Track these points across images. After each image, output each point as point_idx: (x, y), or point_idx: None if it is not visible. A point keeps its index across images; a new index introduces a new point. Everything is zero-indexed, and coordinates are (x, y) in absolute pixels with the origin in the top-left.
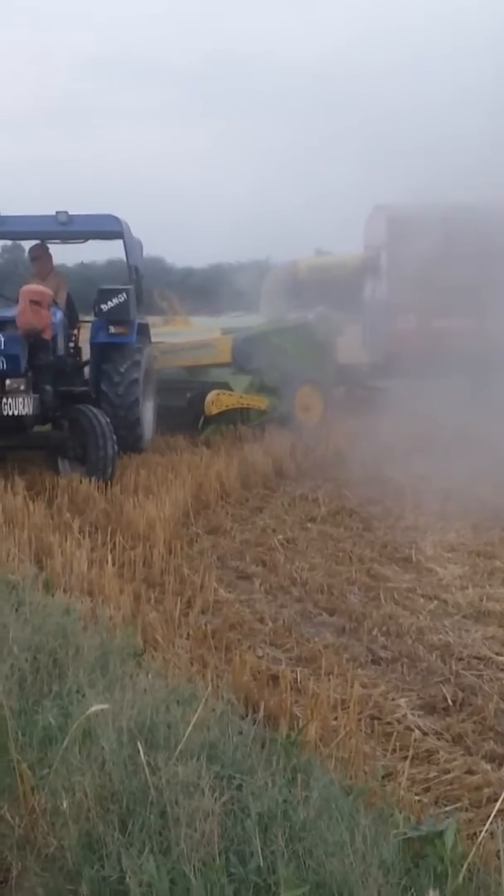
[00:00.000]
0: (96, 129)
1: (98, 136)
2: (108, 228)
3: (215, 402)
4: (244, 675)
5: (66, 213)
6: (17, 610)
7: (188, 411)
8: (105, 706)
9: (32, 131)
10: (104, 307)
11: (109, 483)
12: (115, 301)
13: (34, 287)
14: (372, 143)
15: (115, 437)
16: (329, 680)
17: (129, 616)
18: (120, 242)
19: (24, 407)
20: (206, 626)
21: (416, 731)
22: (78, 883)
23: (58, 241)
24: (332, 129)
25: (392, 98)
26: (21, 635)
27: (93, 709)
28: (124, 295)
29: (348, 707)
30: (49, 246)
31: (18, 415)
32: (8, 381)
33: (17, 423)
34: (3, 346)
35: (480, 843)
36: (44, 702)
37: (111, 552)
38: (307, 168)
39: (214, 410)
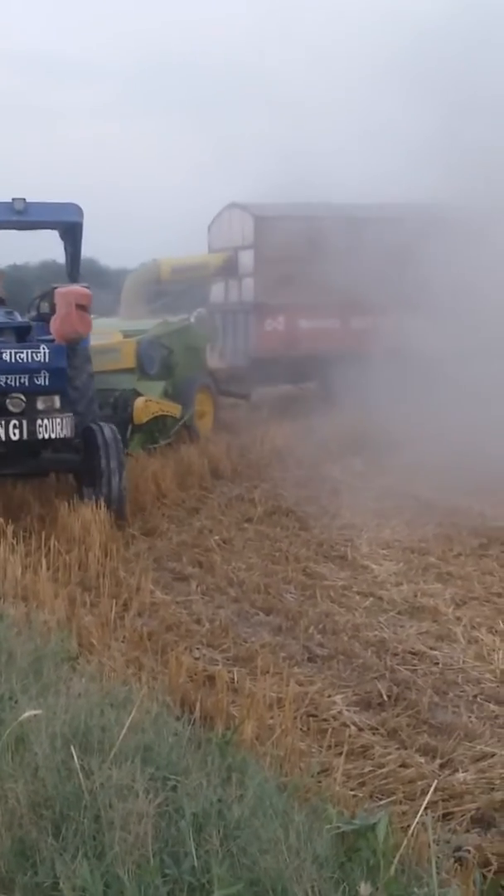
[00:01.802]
0: (29, 128)
1: (31, 135)
2: (67, 218)
3: (144, 409)
4: (180, 676)
5: (22, 199)
6: None
7: (112, 418)
8: (38, 712)
9: None
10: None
11: (41, 488)
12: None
13: (76, 289)
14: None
15: (122, 459)
16: (265, 679)
17: (64, 620)
18: (57, 236)
19: (61, 429)
20: (142, 628)
21: (352, 727)
22: (11, 891)
23: (12, 230)
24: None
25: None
26: None
27: (25, 715)
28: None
29: (284, 705)
30: None
31: (54, 438)
32: (40, 400)
33: (39, 447)
34: (46, 359)
35: (413, 835)
36: None
37: (46, 556)
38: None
39: (144, 418)
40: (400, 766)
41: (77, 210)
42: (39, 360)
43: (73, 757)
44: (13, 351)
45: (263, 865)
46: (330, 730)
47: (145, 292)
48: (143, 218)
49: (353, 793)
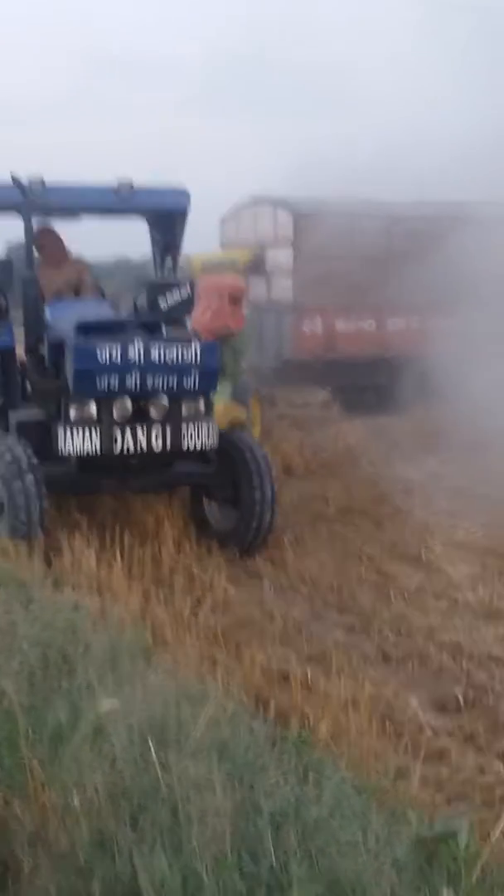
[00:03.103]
0: (101, 125)
1: (101, 131)
2: (176, 205)
3: (224, 414)
4: (254, 673)
5: (129, 183)
6: (26, 607)
7: None
8: (116, 703)
9: (40, 127)
10: (162, 304)
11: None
12: (178, 296)
13: (228, 281)
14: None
15: (272, 474)
16: (339, 678)
17: (139, 614)
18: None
19: (207, 437)
20: (215, 624)
21: (428, 730)
22: (90, 880)
23: (115, 216)
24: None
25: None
26: (31, 632)
27: (106, 705)
28: (188, 289)
29: (359, 706)
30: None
31: (198, 448)
32: (185, 404)
33: (174, 459)
34: (198, 358)
35: (493, 843)
36: (54, 698)
37: (120, 550)
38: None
39: (224, 423)
40: (477, 771)
41: (186, 196)
42: (190, 359)
43: (150, 749)
44: (162, 348)
45: (342, 867)
46: (405, 732)
47: None
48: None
49: (429, 797)
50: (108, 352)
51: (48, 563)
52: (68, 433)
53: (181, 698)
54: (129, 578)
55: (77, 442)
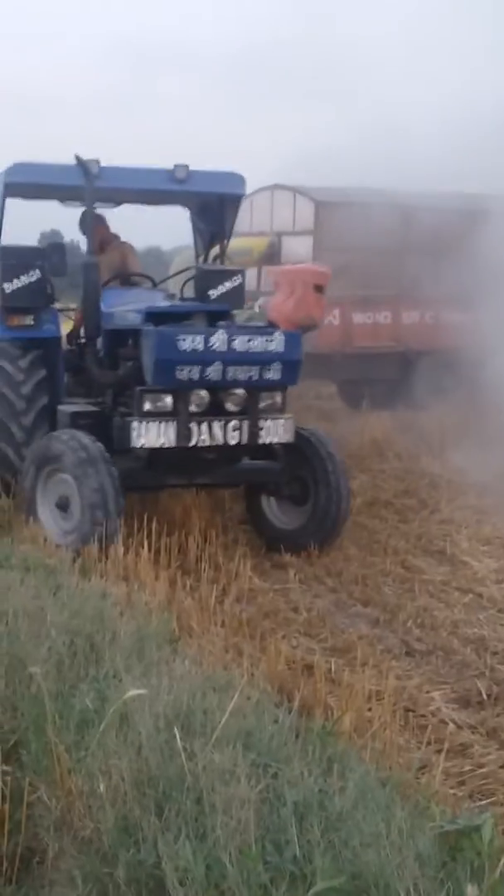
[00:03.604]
0: (139, 117)
1: (140, 124)
2: (232, 190)
3: None
4: (279, 664)
5: (185, 166)
6: (54, 594)
7: None
8: (142, 691)
9: (80, 119)
10: (212, 293)
11: None
12: (229, 285)
13: (311, 268)
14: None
15: (345, 472)
16: (363, 671)
17: (165, 602)
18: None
19: (284, 432)
20: (240, 614)
21: (451, 725)
22: (114, 866)
23: (170, 201)
24: None
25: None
26: (59, 619)
27: (130, 693)
28: (240, 277)
29: (383, 698)
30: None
31: (276, 443)
32: (264, 397)
33: (243, 453)
34: (282, 348)
35: None
36: (81, 685)
37: (147, 538)
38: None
39: None
40: (501, 766)
41: (242, 180)
42: (273, 350)
43: (176, 738)
44: (245, 338)
45: (365, 860)
46: (429, 726)
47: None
48: None
49: (452, 791)
50: (191, 341)
51: (76, 550)
52: (142, 426)
53: (206, 687)
54: (156, 567)
55: (152, 435)
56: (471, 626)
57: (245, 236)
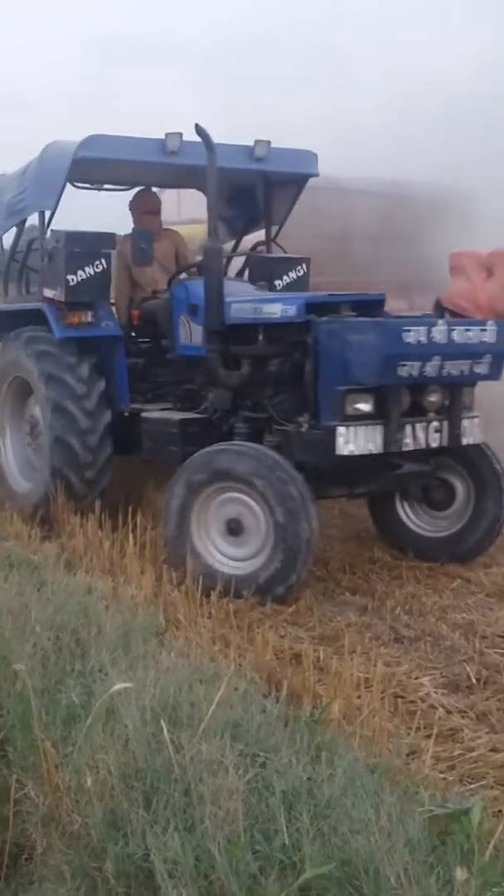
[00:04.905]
0: (109, 110)
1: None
2: (305, 170)
3: None
4: (267, 653)
5: (267, 142)
6: (39, 590)
7: None
8: (128, 685)
9: (46, 115)
10: (278, 283)
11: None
12: (293, 275)
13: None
14: None
15: None
16: (352, 658)
17: (151, 595)
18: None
19: (480, 432)
20: (228, 605)
21: (440, 710)
22: (102, 860)
23: (243, 183)
24: None
25: None
26: (43, 615)
27: (116, 687)
28: (304, 267)
29: (371, 685)
30: None
31: (474, 444)
32: (466, 394)
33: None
34: (494, 339)
35: None
36: (67, 680)
37: (132, 532)
38: None
39: None
40: (490, 750)
41: (316, 160)
42: (487, 341)
43: (163, 730)
44: (463, 329)
45: (355, 846)
46: (418, 712)
47: None
48: None
49: (442, 776)
50: (415, 334)
51: (61, 545)
52: (350, 431)
53: (193, 679)
54: (142, 560)
55: (360, 441)
56: (459, 612)
57: (177, 225)
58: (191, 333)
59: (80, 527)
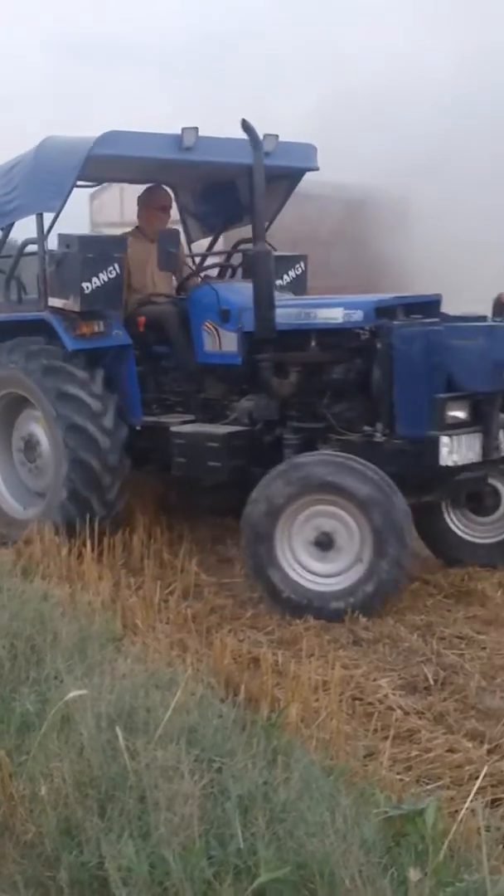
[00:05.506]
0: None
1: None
2: (307, 164)
3: None
4: (225, 658)
5: (275, 136)
6: None
7: None
8: (83, 692)
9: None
10: (278, 282)
11: None
12: (293, 273)
13: None
14: None
15: None
16: (310, 662)
17: (109, 601)
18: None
19: None
20: (186, 610)
21: (398, 711)
22: (56, 869)
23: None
24: None
25: None
26: None
27: (71, 694)
28: (302, 265)
29: (329, 688)
30: None
31: None
32: None
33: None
34: None
35: (461, 821)
36: (21, 688)
37: (90, 538)
38: None
39: None
40: (447, 750)
41: (315, 153)
42: None
43: (118, 737)
44: None
45: (310, 849)
46: (376, 713)
47: None
48: None
49: (399, 777)
50: None
51: (17, 551)
52: (454, 441)
53: (150, 685)
54: (100, 566)
55: (463, 450)
56: (417, 613)
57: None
58: (220, 340)
59: (36, 533)
